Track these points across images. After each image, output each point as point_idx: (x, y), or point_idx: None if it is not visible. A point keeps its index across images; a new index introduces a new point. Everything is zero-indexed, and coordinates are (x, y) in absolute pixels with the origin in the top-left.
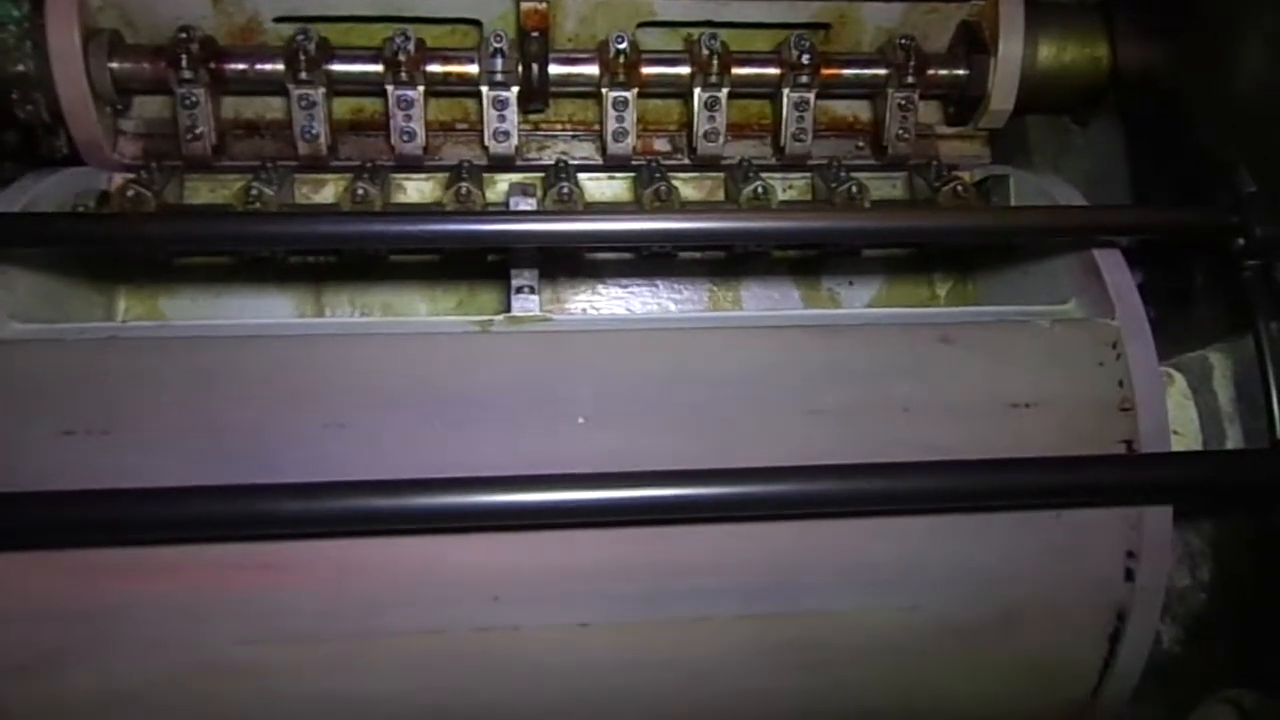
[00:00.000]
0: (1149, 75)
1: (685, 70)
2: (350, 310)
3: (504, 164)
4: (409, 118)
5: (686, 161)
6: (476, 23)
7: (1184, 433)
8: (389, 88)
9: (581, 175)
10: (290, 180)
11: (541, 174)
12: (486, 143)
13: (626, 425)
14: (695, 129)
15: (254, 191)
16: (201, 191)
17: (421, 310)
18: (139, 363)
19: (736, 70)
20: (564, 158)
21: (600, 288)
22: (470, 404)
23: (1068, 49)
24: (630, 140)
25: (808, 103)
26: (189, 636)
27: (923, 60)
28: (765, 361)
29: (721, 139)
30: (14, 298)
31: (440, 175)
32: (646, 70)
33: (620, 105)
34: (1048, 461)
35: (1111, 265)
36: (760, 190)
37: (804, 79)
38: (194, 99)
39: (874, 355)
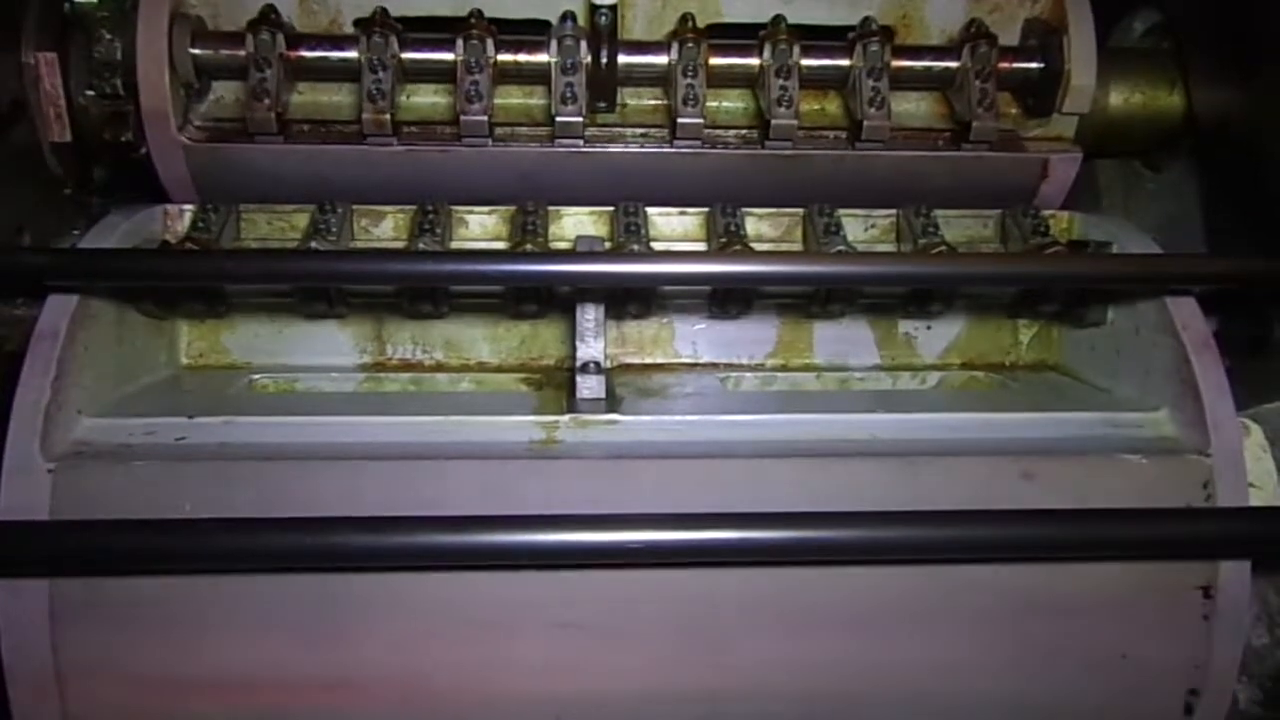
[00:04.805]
0: (1226, 120)
1: (754, 61)
2: (411, 348)
3: (570, 132)
4: (476, 82)
5: (760, 151)
6: (548, 24)
7: (1261, 485)
8: (458, 52)
9: (651, 211)
10: (349, 215)
11: (610, 209)
12: (554, 110)
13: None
14: (767, 92)
15: (314, 244)
16: (259, 224)
17: (483, 350)
18: (206, 490)
19: (807, 61)
20: (634, 144)
21: (667, 329)
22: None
23: (1138, 93)
24: (700, 106)
25: (882, 72)
26: None
27: (995, 46)
28: (837, 499)
29: (794, 107)
30: (82, 391)
31: (504, 210)
32: (716, 61)
33: (690, 73)
34: (1124, 513)
35: (1211, 381)
36: (842, 252)
37: (875, 46)
38: (266, 60)
39: (951, 494)
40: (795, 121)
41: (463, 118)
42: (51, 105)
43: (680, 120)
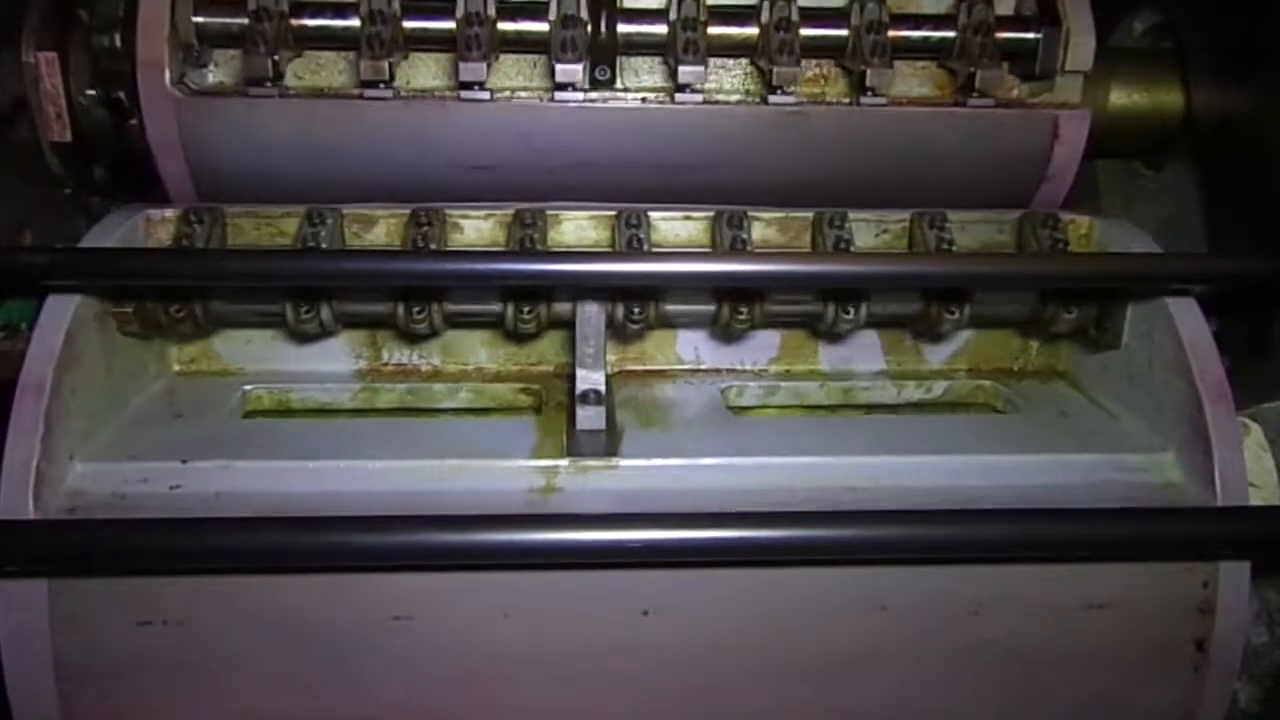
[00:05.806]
0: (1227, 121)
1: (754, 30)
2: (409, 355)
3: (569, 79)
4: (477, 35)
5: (763, 106)
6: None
7: (1261, 485)
8: (459, 9)
9: (654, 216)
10: (340, 222)
11: (611, 213)
12: (553, 58)
13: (690, 617)
14: (769, 45)
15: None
16: (246, 230)
17: (481, 355)
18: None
19: (806, 31)
20: (639, 100)
21: (669, 334)
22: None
23: (1138, 93)
24: (701, 55)
25: (882, 27)
26: None
27: (990, 4)
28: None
29: (795, 55)
30: (73, 431)
31: (500, 214)
32: (715, 30)
33: (690, 28)
34: (1124, 513)
35: (1224, 430)
36: (843, 252)
37: (873, 3)
38: (267, 13)
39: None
40: (798, 69)
41: (461, 64)
42: (52, 105)
43: (681, 69)
